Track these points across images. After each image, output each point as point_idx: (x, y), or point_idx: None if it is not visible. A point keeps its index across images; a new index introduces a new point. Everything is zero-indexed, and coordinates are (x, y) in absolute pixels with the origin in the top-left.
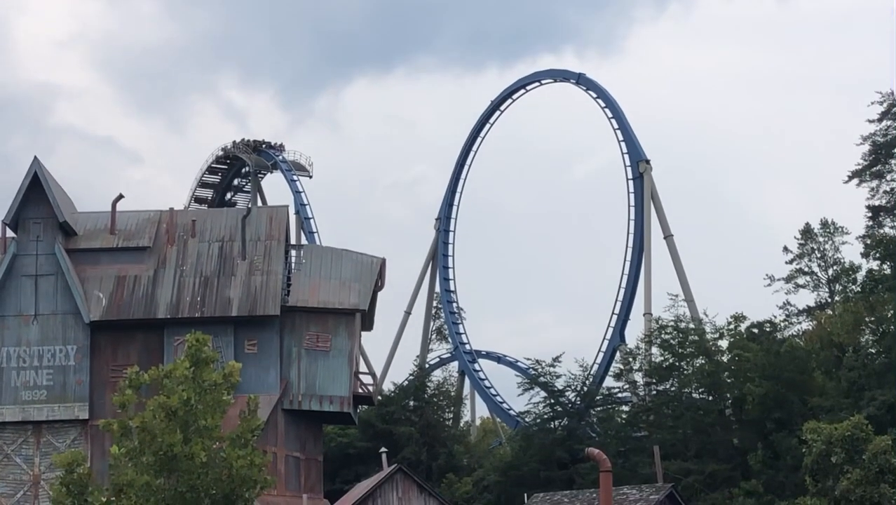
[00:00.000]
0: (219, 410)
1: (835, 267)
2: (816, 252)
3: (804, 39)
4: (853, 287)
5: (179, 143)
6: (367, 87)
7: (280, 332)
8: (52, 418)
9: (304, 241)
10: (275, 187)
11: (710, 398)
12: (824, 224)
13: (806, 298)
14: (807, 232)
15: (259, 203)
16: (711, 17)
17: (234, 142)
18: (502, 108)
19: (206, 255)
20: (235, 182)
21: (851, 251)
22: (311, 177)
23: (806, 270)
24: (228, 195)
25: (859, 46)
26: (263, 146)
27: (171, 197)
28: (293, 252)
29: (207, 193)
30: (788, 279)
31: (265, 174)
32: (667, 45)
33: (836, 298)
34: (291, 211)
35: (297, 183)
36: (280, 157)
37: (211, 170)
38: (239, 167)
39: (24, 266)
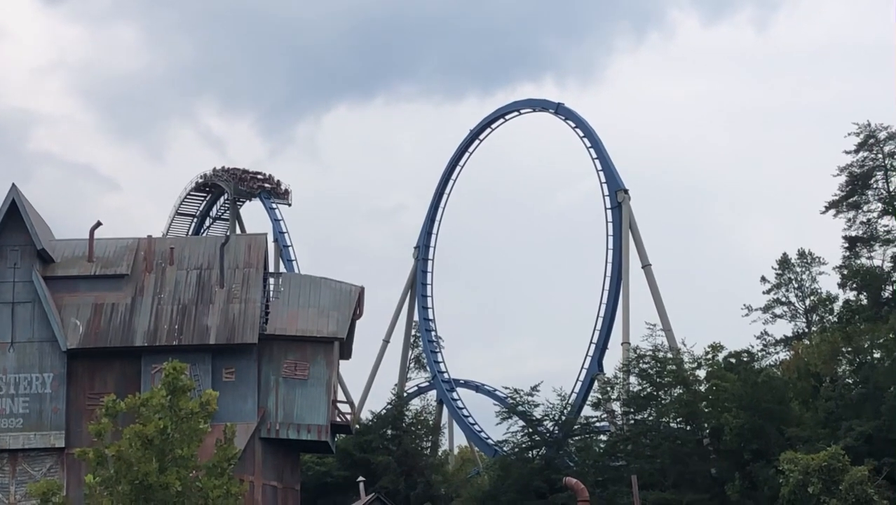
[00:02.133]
0: (195, 438)
1: (812, 297)
2: (794, 282)
3: (782, 70)
4: (830, 317)
5: (158, 170)
6: (347, 115)
7: (258, 360)
8: (28, 446)
9: (282, 269)
10: (253, 215)
11: (688, 428)
12: (801, 254)
13: (783, 328)
14: (784, 262)
15: (237, 231)
16: (690, 48)
17: (213, 169)
18: (481, 136)
19: (184, 282)
20: (214, 210)
21: (828, 281)
22: (290, 205)
23: (783, 300)
24: (207, 223)
25: (836, 78)
26: (249, 177)
27: (150, 224)
28: (271, 280)
29: (186, 221)
30: (766, 309)
31: (244, 202)
32: (646, 75)
33: (814, 329)
34: (270, 239)
35: (276, 211)
36: (258, 188)
37: (190, 197)
38: (217, 195)
39: (1, 293)
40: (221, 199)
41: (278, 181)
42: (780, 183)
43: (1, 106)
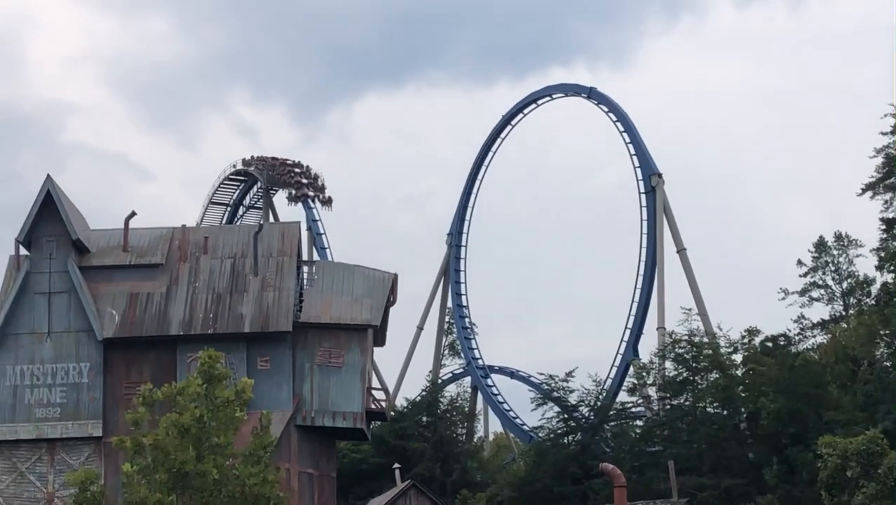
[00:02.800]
0: (231, 426)
1: (849, 280)
2: (830, 265)
3: (817, 51)
4: (867, 300)
5: (191, 159)
6: (378, 102)
7: (292, 348)
8: (66, 436)
9: (315, 257)
10: (287, 203)
11: (725, 413)
12: (838, 237)
13: (820, 312)
14: (821, 245)
15: (271, 219)
16: (724, 30)
17: (245, 159)
18: (513, 122)
19: (218, 271)
20: (247, 199)
21: (865, 264)
22: (331, 209)
23: (820, 283)
24: (240, 211)
25: (873, 58)
26: (284, 167)
27: (184, 214)
28: (305, 268)
29: (219, 210)
30: (802, 292)
31: (277, 191)
32: (679, 58)
33: (851, 312)
34: (303, 227)
35: (309, 200)
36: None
37: (223, 186)
38: (251, 183)
39: (37, 284)
40: (255, 188)
41: (315, 175)
42: (816, 165)
43: (35, 97)
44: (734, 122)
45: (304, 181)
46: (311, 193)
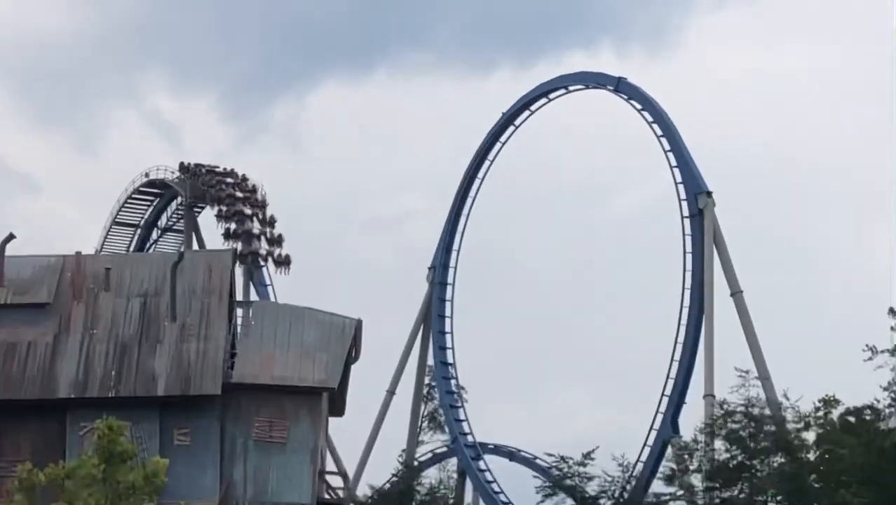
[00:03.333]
0: None
1: None
2: None
3: None
4: None
5: (90, 165)
6: (339, 93)
7: (221, 418)
8: None
9: (253, 296)
10: (215, 225)
11: None
12: None
13: None
14: None
15: (195, 246)
16: (795, 6)
17: (163, 165)
18: (517, 122)
19: (123, 314)
20: (163, 218)
21: None
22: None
23: None
24: (154, 235)
25: None
26: (211, 176)
27: (79, 237)
28: (239, 311)
29: (126, 233)
30: (895, 351)
31: (203, 207)
32: (735, 42)
33: None
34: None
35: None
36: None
37: (132, 202)
38: (169, 198)
39: None
40: (174, 205)
41: (254, 187)
42: None
43: None
44: (805, 124)
45: (239, 195)
46: (261, 251)
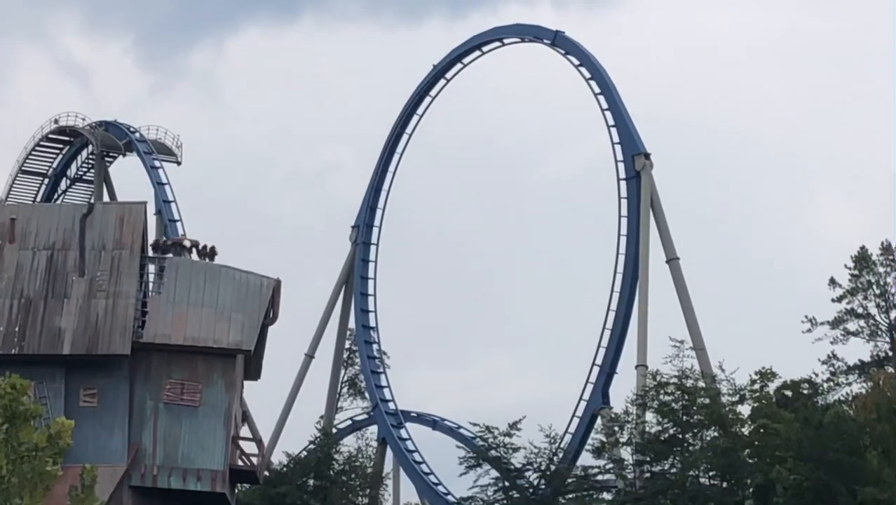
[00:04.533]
0: (40, 484)
1: None
2: (874, 287)
3: None
4: None
5: None
6: (261, 40)
7: (130, 379)
8: None
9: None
10: (128, 176)
11: (726, 485)
12: (886, 248)
13: (859, 350)
14: (862, 259)
15: (105, 198)
16: None
17: (74, 111)
18: (448, 75)
19: (28, 268)
20: (73, 168)
21: None
22: (179, 163)
23: (860, 311)
24: (63, 185)
25: None
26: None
27: None
28: (151, 267)
29: (33, 183)
30: (835, 324)
31: (115, 157)
32: None
33: None
34: (150, 210)
35: (160, 171)
36: (136, 135)
37: (39, 149)
38: (79, 147)
39: None
40: (84, 153)
41: (165, 131)
42: (859, 149)
43: None
44: (750, 85)
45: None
46: (187, 243)
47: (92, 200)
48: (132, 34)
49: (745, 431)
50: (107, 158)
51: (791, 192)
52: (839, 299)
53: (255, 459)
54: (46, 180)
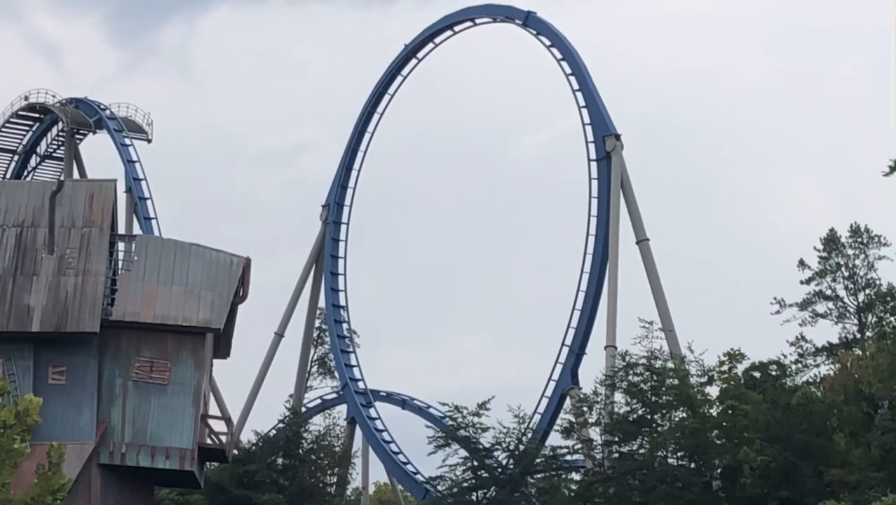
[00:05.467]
0: (8, 462)
1: (868, 291)
2: (843, 269)
3: None
4: (892, 319)
5: None
6: (233, 17)
7: (99, 356)
8: None
9: (137, 230)
10: (98, 154)
11: (693, 466)
12: (855, 231)
13: (827, 332)
14: (831, 241)
15: (75, 175)
16: None
17: (45, 88)
18: (420, 55)
19: None
20: (42, 145)
21: (891, 269)
22: (149, 141)
23: (828, 293)
24: (33, 162)
25: None
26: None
27: None
28: (121, 245)
29: (2, 159)
30: (804, 305)
31: (85, 135)
32: None
33: (869, 334)
34: (121, 187)
35: (130, 149)
36: (107, 112)
37: (8, 126)
38: (49, 124)
39: None
40: (54, 131)
41: (136, 108)
42: (829, 133)
43: None
44: (722, 68)
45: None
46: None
47: (62, 178)
48: (103, 10)
49: (714, 412)
50: (77, 136)
51: (761, 175)
52: (808, 281)
53: (223, 438)
54: (16, 157)
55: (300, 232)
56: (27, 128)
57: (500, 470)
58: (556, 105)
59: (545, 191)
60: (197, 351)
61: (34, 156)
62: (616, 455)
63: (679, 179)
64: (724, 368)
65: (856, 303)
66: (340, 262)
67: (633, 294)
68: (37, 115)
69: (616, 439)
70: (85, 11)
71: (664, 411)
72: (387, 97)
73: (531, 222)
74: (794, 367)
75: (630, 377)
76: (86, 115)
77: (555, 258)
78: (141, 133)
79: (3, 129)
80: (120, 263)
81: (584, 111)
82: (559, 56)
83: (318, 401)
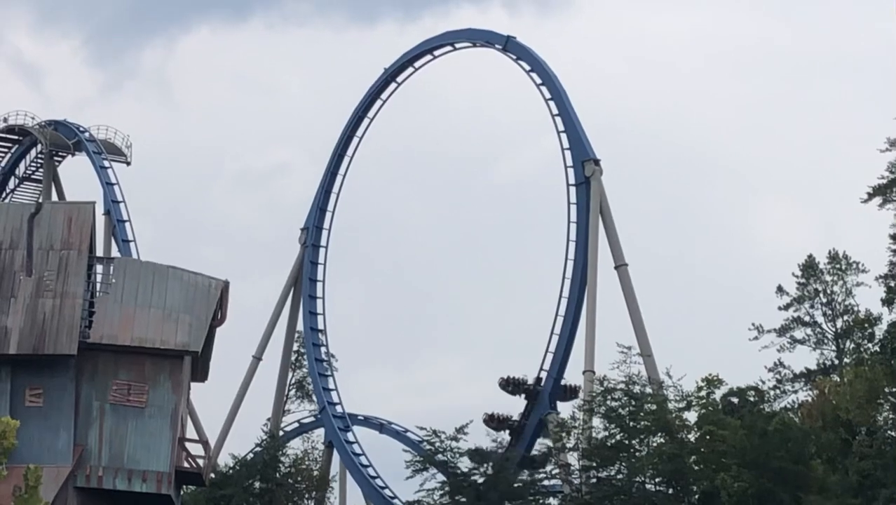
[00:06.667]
0: None
1: (845, 317)
2: (821, 295)
3: (817, 5)
4: (869, 345)
5: None
6: (212, 40)
7: (76, 379)
8: None
9: (115, 252)
10: (77, 176)
11: (671, 491)
12: (833, 257)
13: (805, 359)
14: (809, 268)
15: (54, 197)
16: None
17: (24, 109)
18: (400, 79)
19: None
20: (21, 167)
21: (868, 296)
22: (128, 163)
23: (806, 319)
24: (11, 184)
25: (891, 18)
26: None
27: None
28: (99, 267)
29: None
30: (782, 331)
31: (64, 157)
32: (631, 4)
33: (847, 360)
34: (99, 210)
35: (109, 171)
36: (86, 135)
37: None
38: (28, 146)
39: None
40: (33, 153)
41: (115, 131)
42: (808, 158)
43: None
44: (701, 94)
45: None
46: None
47: (40, 200)
48: (83, 33)
49: (692, 437)
50: (56, 158)
51: (740, 200)
52: (786, 307)
53: (200, 461)
54: None
55: (279, 255)
56: (6, 149)
57: (478, 494)
58: (535, 129)
59: (524, 215)
60: (174, 374)
61: (13, 177)
62: (594, 480)
63: (658, 204)
64: (703, 393)
65: (834, 329)
66: (319, 285)
67: (611, 319)
68: (16, 137)
69: (594, 464)
70: (65, 33)
71: (642, 436)
72: (366, 121)
73: (509, 246)
74: (772, 392)
75: (608, 402)
76: (65, 138)
77: (534, 283)
78: (120, 156)
79: None
80: (98, 286)
81: (564, 136)
82: (538, 81)
83: (296, 424)
